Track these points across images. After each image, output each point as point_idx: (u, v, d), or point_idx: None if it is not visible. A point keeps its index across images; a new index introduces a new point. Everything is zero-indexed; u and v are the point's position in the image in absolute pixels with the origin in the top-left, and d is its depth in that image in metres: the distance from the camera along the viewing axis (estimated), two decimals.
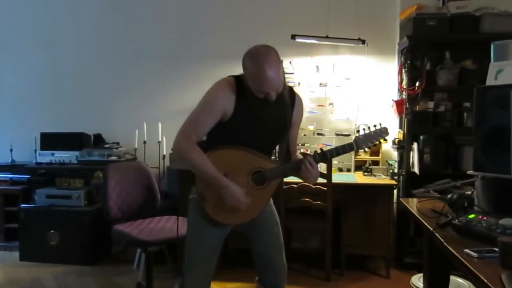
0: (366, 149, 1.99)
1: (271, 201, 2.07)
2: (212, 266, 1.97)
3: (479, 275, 1.18)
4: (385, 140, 2.00)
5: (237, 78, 1.86)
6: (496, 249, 1.28)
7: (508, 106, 1.61)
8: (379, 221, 3.42)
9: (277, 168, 1.90)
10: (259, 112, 1.83)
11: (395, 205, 3.60)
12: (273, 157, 2.04)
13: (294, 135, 2.05)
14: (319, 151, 1.93)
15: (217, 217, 1.89)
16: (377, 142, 2.00)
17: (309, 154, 1.89)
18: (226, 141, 1.85)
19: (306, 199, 3.27)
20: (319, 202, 3.26)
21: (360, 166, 3.83)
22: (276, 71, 1.74)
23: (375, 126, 1.99)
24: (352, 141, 1.96)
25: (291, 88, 2.00)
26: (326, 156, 1.93)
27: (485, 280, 1.14)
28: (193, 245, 1.95)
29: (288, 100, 1.93)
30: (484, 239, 1.44)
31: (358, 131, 1.99)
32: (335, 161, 3.67)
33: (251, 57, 1.76)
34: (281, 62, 1.81)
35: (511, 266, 1.21)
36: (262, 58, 1.73)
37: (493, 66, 2.00)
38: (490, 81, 1.98)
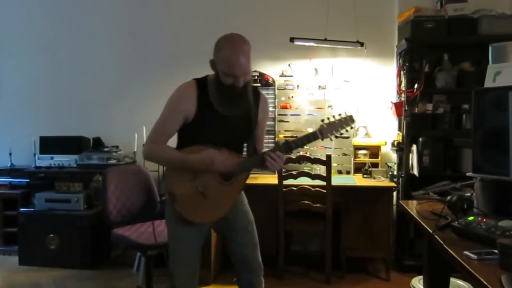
0: (332, 138, 1.94)
1: (245, 200, 2.13)
2: (195, 264, 2.01)
3: (479, 277, 1.18)
4: (351, 128, 1.96)
5: (198, 80, 1.94)
6: (496, 251, 1.28)
7: (506, 108, 1.61)
8: (378, 224, 3.42)
9: (243, 162, 1.94)
10: (222, 110, 1.89)
11: (394, 207, 3.60)
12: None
13: (260, 133, 2.08)
14: (282, 141, 1.95)
15: (189, 216, 1.93)
16: (344, 131, 1.95)
17: (274, 145, 1.92)
18: (193, 141, 1.91)
19: (306, 202, 3.27)
20: (318, 205, 3.26)
21: (359, 168, 3.83)
22: (248, 58, 1.81)
23: (340, 114, 1.94)
24: (316, 129, 1.94)
25: (255, 88, 2.04)
26: (291, 147, 1.93)
27: (485, 282, 1.14)
28: (174, 245, 2.00)
29: (253, 98, 1.97)
30: (483, 241, 1.44)
31: (322, 120, 1.96)
32: (334, 164, 3.68)
33: (227, 41, 1.82)
34: (250, 47, 1.85)
35: (510, 268, 1.21)
36: (238, 43, 1.81)
37: (491, 68, 2.00)
38: (488, 83, 1.98)
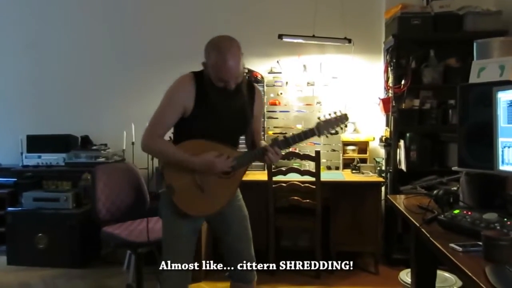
0: (328, 135, 2.03)
1: (240, 195, 2.15)
2: (190, 260, 2.01)
3: (464, 268, 1.21)
4: (346, 126, 2.06)
5: (196, 74, 1.94)
6: (480, 243, 1.31)
7: (490, 103, 1.64)
8: (367, 218, 3.46)
9: (242, 156, 1.97)
10: (219, 105, 1.91)
11: (383, 202, 3.64)
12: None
13: (257, 126, 2.13)
14: (281, 138, 1.99)
15: (186, 210, 1.94)
16: (339, 129, 2.04)
17: (273, 141, 1.97)
18: (191, 135, 1.93)
19: (295, 198, 3.29)
20: (308, 201, 3.28)
21: (348, 164, 3.87)
22: (237, 62, 1.83)
23: (335, 112, 2.02)
24: (313, 127, 2.01)
25: (250, 81, 2.08)
26: (289, 143, 1.98)
27: (470, 273, 1.17)
28: (168, 239, 2.00)
29: (247, 93, 2.00)
30: (468, 234, 1.47)
31: (319, 118, 2.04)
32: (323, 160, 3.71)
33: (214, 46, 1.85)
34: (242, 54, 1.88)
35: (494, 259, 1.24)
36: (225, 48, 1.82)
37: (475, 64, 2.04)
38: (473, 79, 2.02)
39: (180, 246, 1.99)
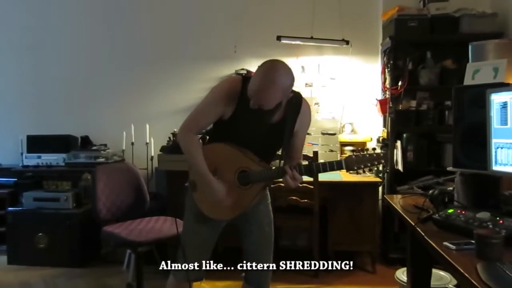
0: (359, 171, 1.92)
1: (269, 200, 2.14)
2: (206, 255, 2.04)
3: (456, 265, 1.25)
4: (382, 165, 1.88)
5: (245, 79, 1.87)
6: (473, 241, 1.34)
7: (484, 105, 1.68)
8: (365, 218, 3.49)
9: (261, 172, 1.93)
10: (259, 115, 1.83)
11: (380, 202, 3.67)
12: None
13: (298, 142, 2.02)
14: (306, 163, 1.91)
15: (203, 209, 1.97)
16: (373, 167, 1.92)
17: (296, 165, 1.89)
18: (224, 137, 1.93)
19: (293, 198, 3.32)
20: (306, 200, 3.32)
21: None
22: (268, 90, 1.72)
23: (374, 149, 1.90)
24: (343, 159, 1.90)
25: (299, 96, 1.96)
26: (311, 170, 1.90)
27: (462, 270, 1.21)
28: (187, 234, 2.04)
29: (294, 108, 1.92)
30: (462, 232, 1.51)
31: (353, 151, 1.91)
32: (321, 160, 3.72)
33: (264, 64, 1.78)
34: (284, 85, 1.76)
35: (486, 256, 1.28)
36: (267, 70, 1.75)
37: (470, 67, 2.08)
38: (467, 80, 2.05)
39: (195, 241, 2.02)
